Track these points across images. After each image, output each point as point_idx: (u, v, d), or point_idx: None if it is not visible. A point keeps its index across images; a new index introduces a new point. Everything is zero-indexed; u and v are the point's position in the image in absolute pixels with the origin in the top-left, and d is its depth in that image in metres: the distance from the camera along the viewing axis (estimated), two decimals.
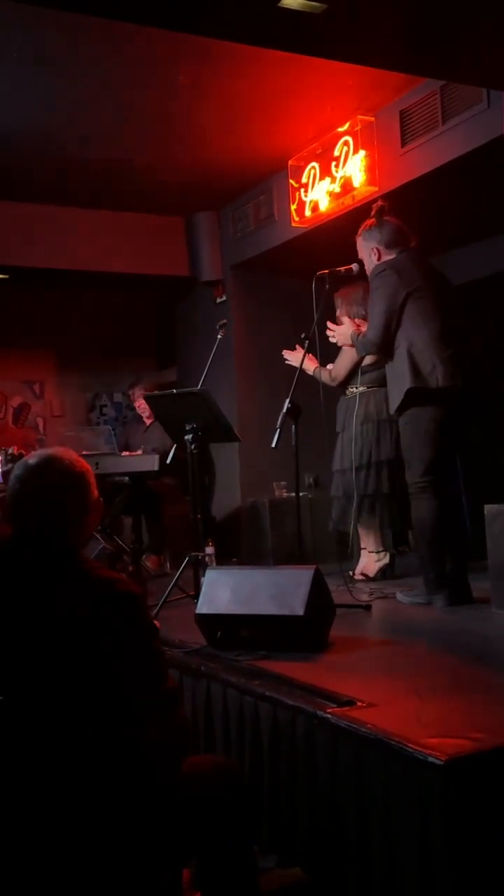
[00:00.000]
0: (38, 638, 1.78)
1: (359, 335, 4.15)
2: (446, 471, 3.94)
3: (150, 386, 6.38)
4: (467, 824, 1.91)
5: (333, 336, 4.47)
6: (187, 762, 1.99)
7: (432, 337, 3.83)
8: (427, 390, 3.81)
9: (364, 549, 4.92)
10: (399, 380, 3.90)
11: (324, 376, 4.84)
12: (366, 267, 4.15)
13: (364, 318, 4.50)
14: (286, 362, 4.72)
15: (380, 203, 4.18)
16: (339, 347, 4.75)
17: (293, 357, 4.69)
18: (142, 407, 6.37)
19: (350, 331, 4.31)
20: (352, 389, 4.84)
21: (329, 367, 4.88)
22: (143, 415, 6.48)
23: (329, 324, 4.52)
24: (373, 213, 4.14)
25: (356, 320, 4.53)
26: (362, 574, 4.85)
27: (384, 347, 3.97)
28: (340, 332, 4.42)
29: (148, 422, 6.37)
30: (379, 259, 4.06)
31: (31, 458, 1.98)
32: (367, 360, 4.68)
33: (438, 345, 3.82)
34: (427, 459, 3.88)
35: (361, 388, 4.77)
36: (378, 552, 4.88)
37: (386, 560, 4.87)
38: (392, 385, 4.01)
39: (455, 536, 3.95)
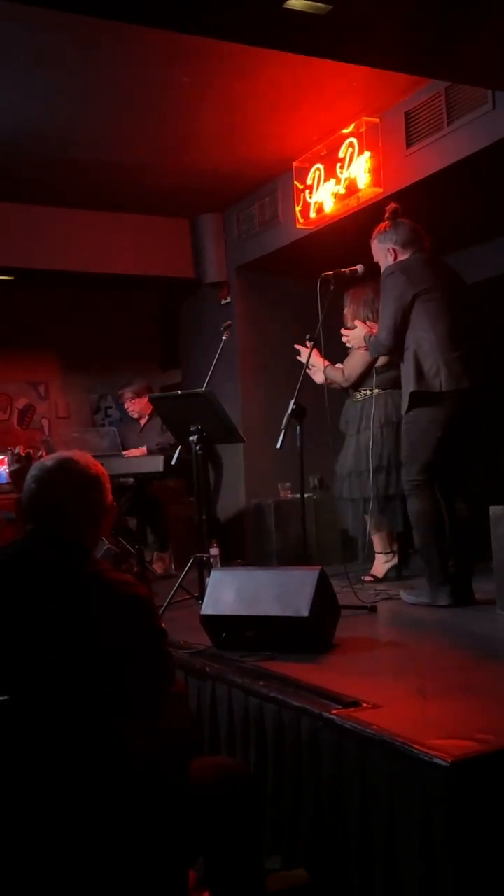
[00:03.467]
0: (47, 637, 1.78)
1: (371, 337, 4.18)
2: (444, 471, 3.94)
3: (140, 388, 6.36)
4: (472, 826, 1.91)
5: (349, 341, 4.62)
6: (195, 762, 1.99)
7: (439, 339, 3.82)
8: (430, 394, 3.81)
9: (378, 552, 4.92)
10: (406, 382, 3.91)
11: (336, 376, 4.80)
12: (381, 269, 4.15)
13: (372, 320, 4.56)
14: (297, 357, 4.66)
15: (393, 205, 4.18)
16: (346, 348, 4.77)
17: (305, 353, 4.64)
18: (132, 409, 6.38)
19: (363, 333, 4.39)
20: (365, 392, 4.80)
21: (339, 365, 4.86)
22: (133, 416, 6.48)
23: (343, 330, 4.62)
24: (387, 215, 4.14)
25: (368, 323, 4.55)
26: (371, 575, 4.84)
27: (395, 348, 3.98)
28: (354, 335, 4.55)
29: (142, 422, 6.38)
30: (395, 260, 4.05)
31: (48, 460, 1.99)
32: (381, 360, 4.67)
33: (445, 347, 3.81)
34: (424, 459, 3.87)
35: (377, 391, 4.74)
36: (386, 553, 4.87)
37: (394, 561, 4.86)
38: (403, 387, 4.01)
39: (454, 536, 3.94)
